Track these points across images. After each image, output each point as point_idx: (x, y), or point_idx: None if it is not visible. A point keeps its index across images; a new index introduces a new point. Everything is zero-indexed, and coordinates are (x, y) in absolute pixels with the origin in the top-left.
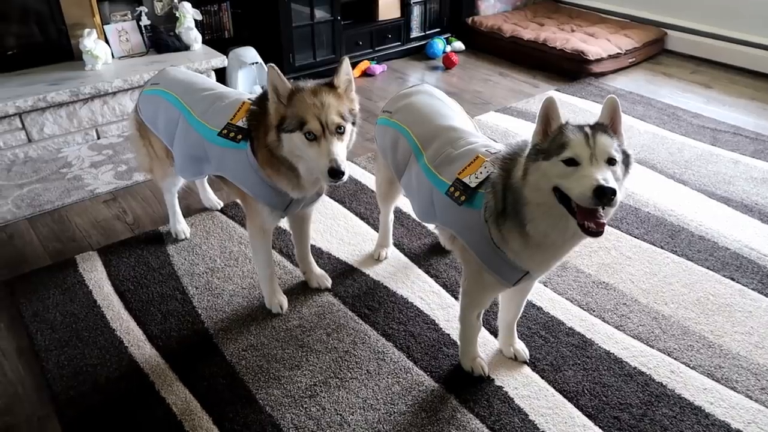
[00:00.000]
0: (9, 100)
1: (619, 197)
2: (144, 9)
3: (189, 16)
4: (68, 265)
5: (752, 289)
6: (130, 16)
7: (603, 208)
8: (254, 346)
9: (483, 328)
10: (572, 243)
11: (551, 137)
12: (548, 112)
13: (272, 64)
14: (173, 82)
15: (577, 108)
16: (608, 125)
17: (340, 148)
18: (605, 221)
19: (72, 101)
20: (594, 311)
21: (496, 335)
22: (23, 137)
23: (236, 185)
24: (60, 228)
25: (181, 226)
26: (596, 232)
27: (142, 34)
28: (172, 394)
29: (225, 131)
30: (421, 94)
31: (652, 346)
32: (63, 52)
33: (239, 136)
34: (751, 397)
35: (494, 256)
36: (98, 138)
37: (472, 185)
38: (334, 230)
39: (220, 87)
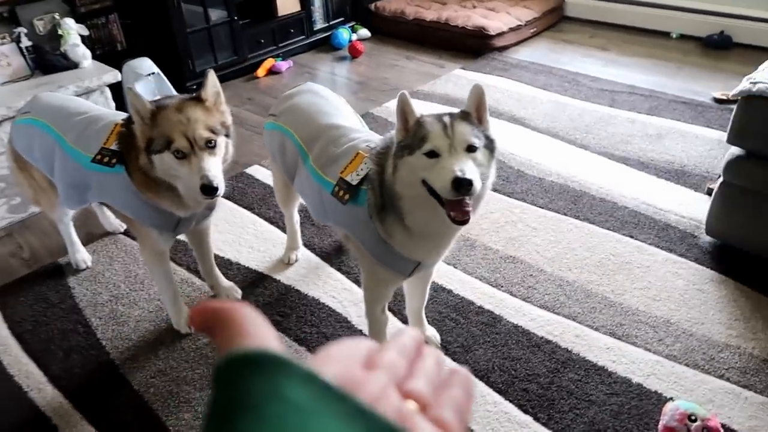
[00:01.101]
0: None
1: (478, 185)
2: (23, 30)
3: (73, 32)
4: None
5: (649, 244)
6: (9, 39)
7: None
8: (163, 370)
9: (394, 318)
10: (454, 230)
11: (412, 132)
12: (403, 108)
13: (130, 86)
14: (45, 109)
15: (483, 84)
16: (472, 113)
17: (212, 164)
18: (470, 209)
19: None
20: (502, 286)
21: (407, 324)
22: None
23: (120, 211)
24: None
25: (81, 255)
26: (461, 221)
27: (24, 56)
28: None
29: (99, 156)
30: (305, 94)
31: (558, 314)
32: None
33: (113, 160)
34: (649, 350)
35: (384, 250)
36: None
37: (354, 183)
38: (243, 238)
39: (95, 109)
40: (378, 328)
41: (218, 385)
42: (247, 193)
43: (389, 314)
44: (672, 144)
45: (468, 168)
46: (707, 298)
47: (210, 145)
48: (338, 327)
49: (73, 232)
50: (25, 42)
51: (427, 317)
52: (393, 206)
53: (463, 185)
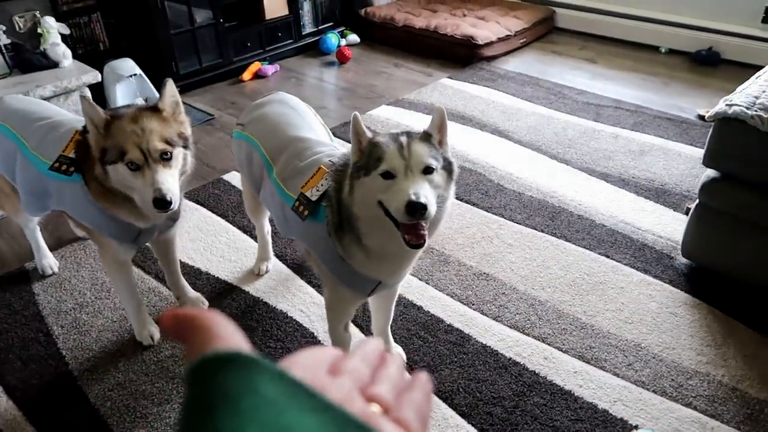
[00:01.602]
0: None
1: (433, 210)
2: (2, 27)
3: (54, 31)
4: None
5: (625, 265)
6: None
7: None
8: (122, 383)
9: (361, 334)
10: (412, 252)
11: (367, 152)
12: (356, 129)
13: (84, 95)
14: (8, 113)
15: (469, 94)
16: (434, 134)
17: (166, 176)
18: (425, 233)
19: None
20: (473, 304)
21: None
22: None
23: (78, 220)
24: None
25: (48, 260)
26: (416, 245)
27: (2, 54)
28: None
29: (57, 164)
30: (274, 104)
31: (528, 335)
32: None
33: (71, 169)
34: (618, 375)
35: (343, 269)
36: None
37: (314, 198)
38: (215, 247)
39: (60, 114)
40: (341, 346)
41: (193, 383)
42: (222, 200)
43: (356, 330)
44: (654, 161)
45: (423, 191)
46: (680, 322)
47: (165, 157)
48: (304, 342)
49: (39, 237)
50: (4, 39)
51: (395, 334)
52: (350, 226)
53: (417, 209)
